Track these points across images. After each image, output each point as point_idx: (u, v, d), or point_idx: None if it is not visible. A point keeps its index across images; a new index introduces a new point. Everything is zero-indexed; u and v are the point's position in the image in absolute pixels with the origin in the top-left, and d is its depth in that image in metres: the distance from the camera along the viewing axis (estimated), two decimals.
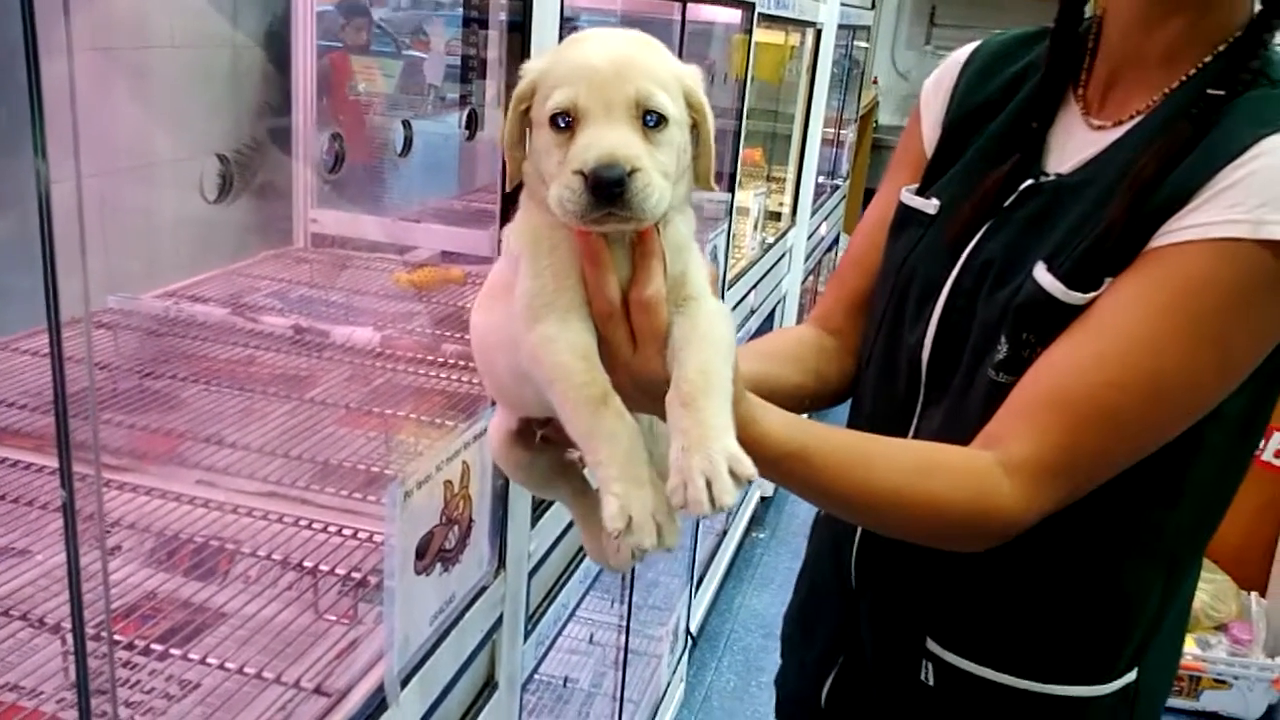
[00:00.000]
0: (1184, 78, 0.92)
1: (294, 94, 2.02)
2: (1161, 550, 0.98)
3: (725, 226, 2.56)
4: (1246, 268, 0.82)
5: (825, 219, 4.47)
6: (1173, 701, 3.04)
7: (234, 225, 1.94)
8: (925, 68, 5.60)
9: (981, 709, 1.04)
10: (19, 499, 1.25)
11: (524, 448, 0.90)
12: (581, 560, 1.63)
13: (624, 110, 0.69)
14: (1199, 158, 0.85)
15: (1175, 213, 0.84)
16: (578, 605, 1.69)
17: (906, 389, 1.03)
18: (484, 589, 1.23)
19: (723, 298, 2.34)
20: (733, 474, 0.67)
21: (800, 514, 3.91)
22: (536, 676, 1.68)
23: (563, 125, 0.70)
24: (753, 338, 1.99)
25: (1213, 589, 3.12)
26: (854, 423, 1.11)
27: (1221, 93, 0.87)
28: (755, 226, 3.25)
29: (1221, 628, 3.12)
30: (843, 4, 3.89)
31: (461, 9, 2.28)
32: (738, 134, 2.75)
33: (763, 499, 3.60)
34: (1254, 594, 3.20)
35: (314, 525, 1.24)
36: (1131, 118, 0.94)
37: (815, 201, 4.06)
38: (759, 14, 2.68)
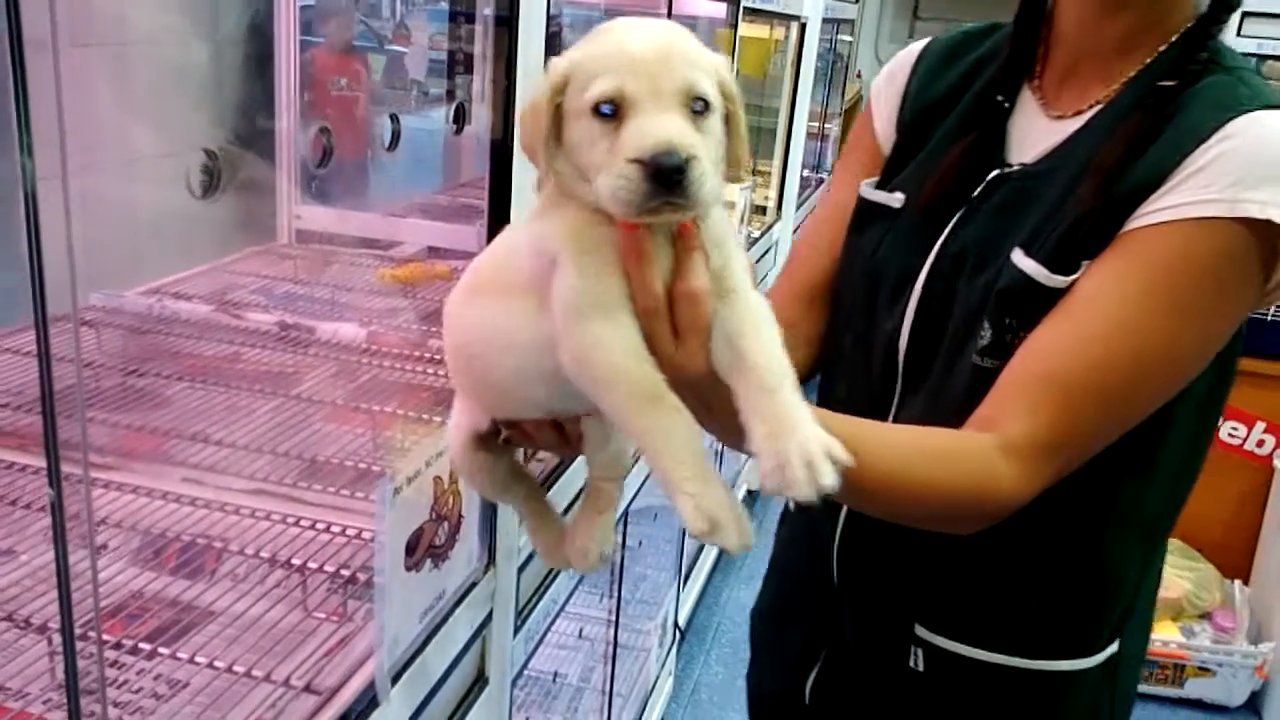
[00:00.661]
0: (1141, 66, 0.95)
1: (277, 90, 2.01)
2: (1139, 523, 1.01)
3: None
4: (1221, 244, 0.85)
5: (810, 212, 4.48)
6: (1157, 689, 3.06)
7: (218, 222, 1.93)
8: None
9: (972, 690, 1.06)
10: (2, 498, 1.24)
11: (488, 450, 0.89)
12: None
13: (673, 98, 0.68)
14: (1167, 143, 0.88)
15: (1149, 196, 0.87)
16: (567, 600, 1.69)
17: (883, 378, 1.03)
18: (474, 585, 1.23)
19: None
20: (828, 457, 0.68)
21: None
22: (526, 672, 1.68)
23: (606, 114, 0.69)
24: None
25: (1196, 577, 3.15)
26: None
27: (1173, 83, 0.91)
28: (741, 220, 3.26)
29: (1205, 616, 3.14)
30: None
31: (447, 4, 2.28)
32: None
33: (749, 492, 3.61)
34: (1237, 582, 3.22)
35: (302, 522, 1.24)
36: (1091, 107, 0.97)
37: (800, 195, 4.07)
38: (744, 8, 2.68)
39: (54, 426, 0.69)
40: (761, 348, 0.72)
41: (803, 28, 3.70)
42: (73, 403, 0.77)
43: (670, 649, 2.85)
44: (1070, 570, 1.01)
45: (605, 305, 0.71)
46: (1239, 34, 4.13)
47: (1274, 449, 3.15)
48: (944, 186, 1.01)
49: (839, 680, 1.17)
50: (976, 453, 0.86)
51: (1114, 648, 1.06)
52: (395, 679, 1.04)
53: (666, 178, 0.66)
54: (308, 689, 1.01)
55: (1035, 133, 1.00)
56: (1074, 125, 0.97)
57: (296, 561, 1.17)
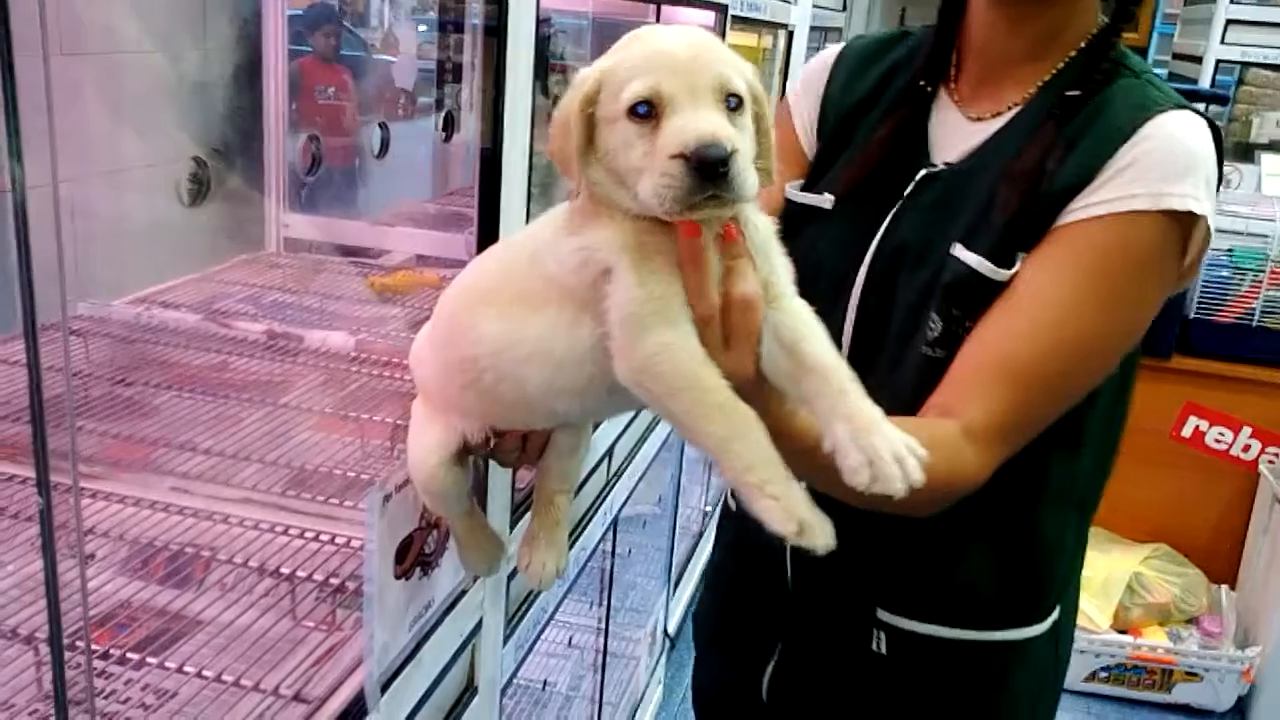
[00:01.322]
0: (1054, 71, 1.02)
1: (265, 99, 2.01)
2: (1072, 495, 1.08)
3: None
4: (1149, 236, 0.92)
5: None
6: (1145, 695, 3.07)
7: (205, 230, 1.92)
8: None
9: (934, 667, 1.10)
10: None
11: (461, 466, 0.89)
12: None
13: (709, 94, 0.69)
14: (1093, 143, 0.95)
15: (1079, 192, 0.94)
16: (556, 608, 1.69)
17: None
18: (463, 593, 1.23)
19: None
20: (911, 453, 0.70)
21: None
22: (515, 680, 1.68)
23: (643, 114, 0.69)
24: None
25: (1183, 582, 3.16)
26: None
27: (1078, 93, 0.98)
28: None
29: (1192, 621, 3.16)
30: (814, 6, 3.91)
31: (436, 13, 2.28)
32: None
33: None
34: (1224, 587, 3.24)
35: (290, 531, 1.24)
36: (1009, 109, 1.03)
37: None
38: (732, 16, 2.70)
39: (43, 435, 0.69)
40: (824, 349, 0.75)
41: (790, 36, 3.71)
42: (61, 412, 0.77)
43: (660, 657, 2.85)
44: (1015, 543, 1.07)
45: (668, 313, 0.72)
46: (1223, 42, 4.16)
47: (1259, 454, 3.16)
48: (866, 173, 1.06)
49: (797, 672, 1.19)
50: (945, 439, 0.89)
51: (1057, 613, 1.12)
52: (384, 688, 1.04)
53: (711, 170, 0.67)
54: (297, 698, 1.01)
55: (957, 134, 1.05)
56: (994, 126, 1.03)
57: (285, 570, 1.16)
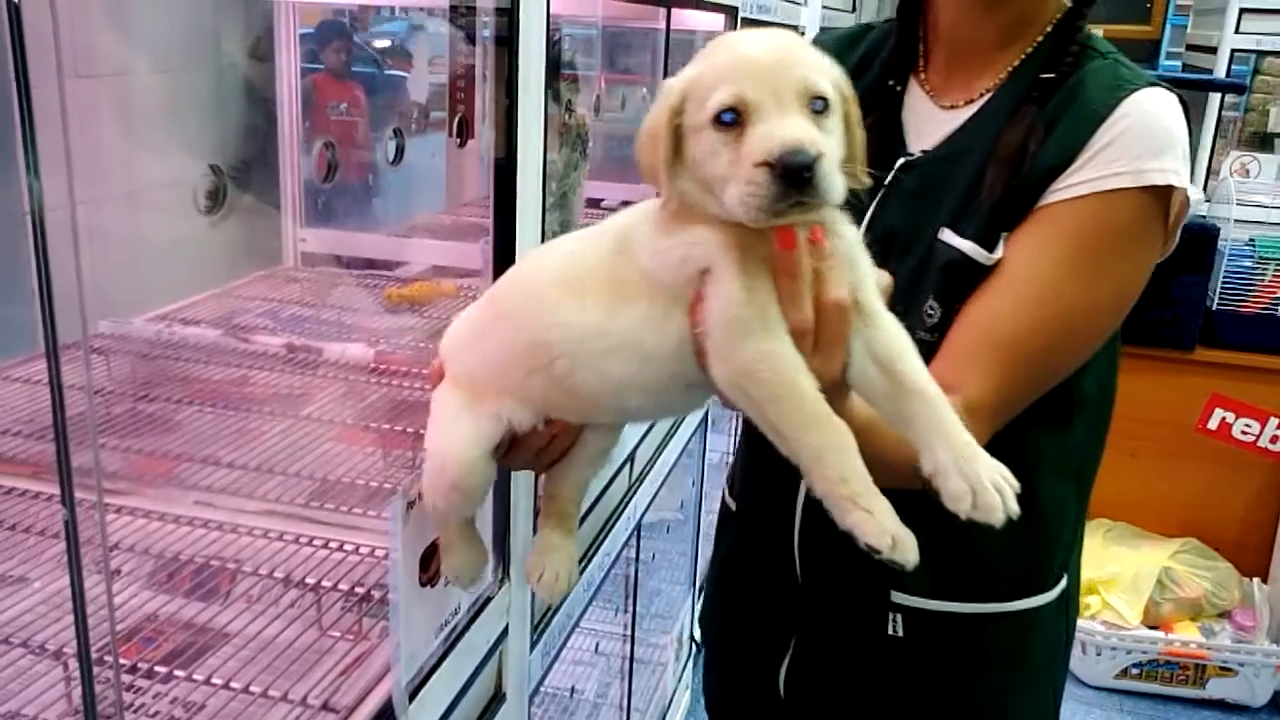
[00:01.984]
0: (1022, 56, 1.03)
1: (279, 115, 2.03)
2: (1069, 465, 1.10)
3: None
4: (1131, 212, 0.94)
5: None
6: (1179, 690, 3.04)
7: (223, 247, 1.94)
8: None
9: (952, 644, 1.11)
10: (15, 526, 1.25)
11: (494, 462, 0.88)
12: (584, 568, 1.63)
13: (794, 99, 0.69)
14: (1071, 125, 0.96)
15: (1061, 173, 0.95)
16: (582, 614, 1.69)
17: None
18: (489, 600, 1.23)
19: None
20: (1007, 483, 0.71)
21: None
22: (543, 687, 1.68)
23: (728, 121, 0.69)
24: None
25: (1214, 576, 3.13)
26: None
27: (1053, 75, 0.99)
28: None
29: (1225, 615, 3.12)
30: (824, 7, 3.91)
31: (446, 26, 2.29)
32: None
33: None
34: (1256, 580, 3.20)
35: (315, 542, 1.24)
36: (981, 95, 1.05)
37: None
38: (742, 18, 2.69)
39: (67, 453, 0.70)
40: (920, 369, 0.75)
41: (800, 36, 3.71)
42: (84, 429, 0.78)
43: (686, 663, 2.84)
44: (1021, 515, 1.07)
45: (768, 321, 0.72)
46: (1237, 31, 4.12)
47: None
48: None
49: (814, 665, 1.19)
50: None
51: (1065, 581, 1.15)
52: (413, 695, 1.04)
53: (795, 177, 0.67)
54: (325, 707, 1.01)
55: (930, 122, 1.07)
56: (967, 113, 1.05)
57: (310, 581, 1.17)
